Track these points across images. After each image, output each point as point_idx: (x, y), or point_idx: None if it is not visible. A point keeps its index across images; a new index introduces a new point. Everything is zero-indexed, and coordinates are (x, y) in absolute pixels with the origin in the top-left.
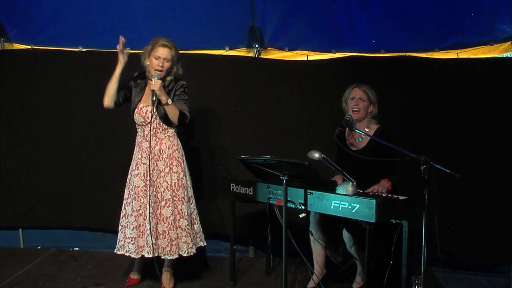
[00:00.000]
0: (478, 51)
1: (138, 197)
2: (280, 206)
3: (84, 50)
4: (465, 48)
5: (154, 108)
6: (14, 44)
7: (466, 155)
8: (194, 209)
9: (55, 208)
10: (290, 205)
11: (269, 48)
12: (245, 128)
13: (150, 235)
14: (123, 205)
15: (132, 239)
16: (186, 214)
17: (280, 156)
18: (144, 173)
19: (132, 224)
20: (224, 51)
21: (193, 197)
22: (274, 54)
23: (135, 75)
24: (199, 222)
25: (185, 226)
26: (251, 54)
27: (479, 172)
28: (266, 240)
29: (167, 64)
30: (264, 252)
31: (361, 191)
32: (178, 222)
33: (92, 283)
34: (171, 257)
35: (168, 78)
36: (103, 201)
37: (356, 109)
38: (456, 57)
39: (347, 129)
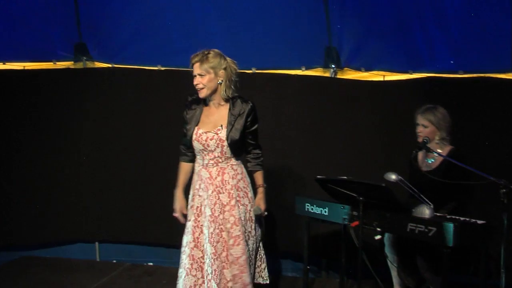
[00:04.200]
0: None
1: (192, 231)
2: (356, 228)
3: (163, 68)
4: None
5: (218, 134)
6: (96, 63)
7: None
8: (261, 250)
9: (131, 223)
10: (365, 226)
11: (345, 68)
12: (320, 148)
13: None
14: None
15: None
16: (251, 249)
17: (355, 177)
18: (197, 207)
19: (186, 259)
20: (301, 71)
21: (260, 235)
22: (351, 74)
23: (189, 102)
24: (264, 259)
25: (250, 261)
26: (327, 74)
27: None
28: (340, 261)
29: (203, 80)
30: (337, 273)
31: (438, 214)
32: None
33: None
34: None
35: (226, 96)
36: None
37: (419, 135)
38: None
39: (424, 150)
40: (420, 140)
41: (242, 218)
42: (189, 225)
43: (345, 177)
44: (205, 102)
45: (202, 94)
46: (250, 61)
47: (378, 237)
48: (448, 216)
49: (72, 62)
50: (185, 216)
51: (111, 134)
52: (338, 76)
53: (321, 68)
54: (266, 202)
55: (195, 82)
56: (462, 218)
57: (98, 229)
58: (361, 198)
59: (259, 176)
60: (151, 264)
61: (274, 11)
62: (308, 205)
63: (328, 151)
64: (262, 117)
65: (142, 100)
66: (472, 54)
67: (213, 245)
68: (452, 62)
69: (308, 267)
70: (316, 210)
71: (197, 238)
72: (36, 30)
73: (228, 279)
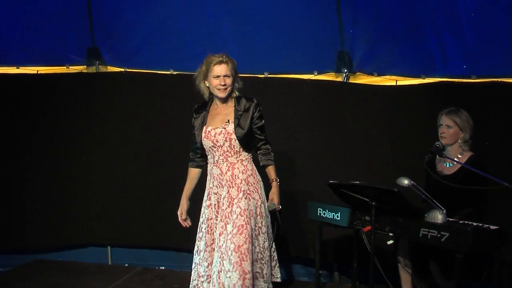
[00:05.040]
0: None
1: (211, 230)
2: (368, 232)
3: (175, 73)
4: None
5: (226, 128)
6: (108, 67)
7: None
8: (274, 251)
9: (143, 227)
10: (377, 231)
11: (357, 73)
12: (332, 152)
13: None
14: (196, 240)
15: (207, 277)
16: (262, 246)
17: (367, 181)
18: (215, 204)
19: (206, 261)
20: (313, 75)
21: (272, 238)
22: (363, 79)
23: (195, 108)
24: (276, 257)
25: (261, 259)
26: (339, 79)
27: None
28: (352, 265)
29: (228, 81)
30: (349, 278)
31: (450, 219)
32: (257, 255)
33: None
34: None
35: (234, 95)
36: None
37: (443, 136)
38: None
39: (437, 155)
40: (443, 141)
41: (248, 210)
42: (210, 223)
43: (357, 182)
44: (211, 104)
45: (224, 94)
46: (263, 65)
47: (390, 242)
48: (461, 222)
49: (85, 67)
50: (197, 222)
51: (124, 138)
52: (351, 81)
53: (334, 73)
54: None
55: (221, 82)
56: (475, 224)
57: (110, 233)
58: (373, 203)
59: (271, 171)
60: (162, 268)
61: (286, 15)
62: (320, 210)
63: (341, 156)
64: (274, 121)
65: (154, 104)
66: (484, 59)
67: (218, 238)
68: (464, 67)
69: (320, 271)
70: (328, 215)
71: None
72: (50, 34)
73: (227, 269)
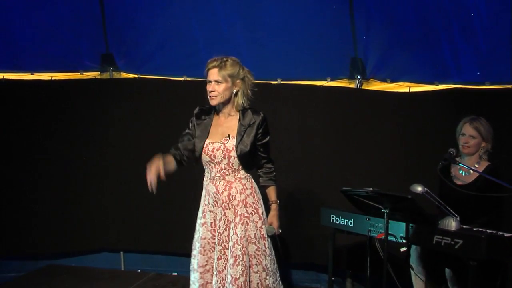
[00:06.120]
0: None
1: (205, 250)
2: (381, 239)
3: (188, 79)
4: None
5: (225, 144)
6: (122, 73)
7: None
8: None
9: (156, 233)
10: (391, 238)
11: (371, 80)
12: (345, 159)
13: None
14: (191, 257)
15: None
16: (270, 270)
17: (380, 188)
18: (211, 222)
19: (198, 282)
20: (326, 82)
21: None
22: (376, 86)
23: (197, 112)
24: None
25: (272, 284)
26: (352, 85)
27: None
28: (365, 272)
29: (218, 87)
30: (361, 285)
31: (464, 226)
32: (265, 281)
33: None
34: None
35: (239, 105)
36: None
37: (466, 146)
38: None
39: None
40: (465, 151)
41: (250, 236)
42: (204, 243)
43: (370, 189)
44: (215, 112)
45: (214, 102)
46: (276, 72)
47: (403, 249)
48: (474, 229)
49: (99, 73)
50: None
51: (137, 144)
52: (364, 87)
53: (347, 79)
54: (294, 213)
55: (209, 89)
56: (489, 231)
57: (123, 238)
58: (386, 210)
59: (272, 192)
60: (175, 274)
61: (299, 22)
62: (333, 217)
63: (354, 163)
64: (287, 128)
65: (167, 110)
66: (498, 65)
67: (216, 263)
68: (478, 73)
69: (333, 278)
70: (341, 221)
71: (210, 257)
72: (64, 41)
73: None
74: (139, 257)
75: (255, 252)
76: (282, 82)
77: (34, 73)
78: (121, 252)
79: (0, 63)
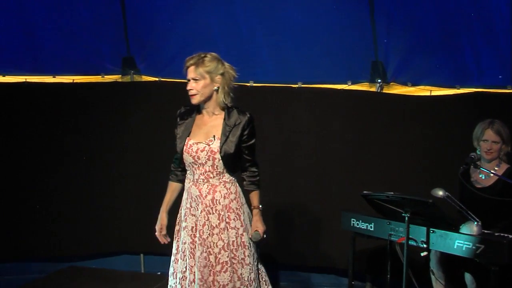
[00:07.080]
0: None
1: (185, 256)
2: (402, 244)
3: None
4: None
5: (210, 145)
6: (143, 76)
7: None
8: (262, 272)
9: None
10: (411, 242)
11: (391, 83)
12: (366, 163)
13: None
14: (171, 261)
15: None
16: (246, 279)
17: (401, 192)
18: (192, 227)
19: None
20: (347, 85)
21: (257, 258)
22: (397, 89)
23: (181, 112)
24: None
25: None
26: (373, 89)
27: None
28: (385, 277)
29: (198, 85)
30: None
31: (486, 231)
32: None
33: None
34: None
35: (221, 102)
36: None
37: (490, 152)
38: None
39: (472, 166)
40: (489, 156)
41: (230, 243)
42: (184, 248)
43: (391, 193)
44: (198, 111)
45: (195, 100)
46: (296, 75)
47: (424, 253)
48: (496, 234)
49: (120, 76)
50: (170, 237)
51: (157, 147)
52: (384, 91)
53: (367, 83)
54: (313, 217)
55: (188, 87)
56: (511, 236)
57: (143, 241)
58: (407, 214)
59: (254, 197)
60: None
61: (320, 25)
62: (353, 220)
63: (374, 166)
64: (307, 132)
65: None
66: None
67: (199, 270)
68: (500, 77)
69: (353, 282)
70: (362, 225)
71: (189, 264)
72: (86, 44)
73: None
74: (159, 260)
75: (231, 260)
76: (302, 85)
77: (56, 76)
78: (141, 255)
79: (22, 66)
